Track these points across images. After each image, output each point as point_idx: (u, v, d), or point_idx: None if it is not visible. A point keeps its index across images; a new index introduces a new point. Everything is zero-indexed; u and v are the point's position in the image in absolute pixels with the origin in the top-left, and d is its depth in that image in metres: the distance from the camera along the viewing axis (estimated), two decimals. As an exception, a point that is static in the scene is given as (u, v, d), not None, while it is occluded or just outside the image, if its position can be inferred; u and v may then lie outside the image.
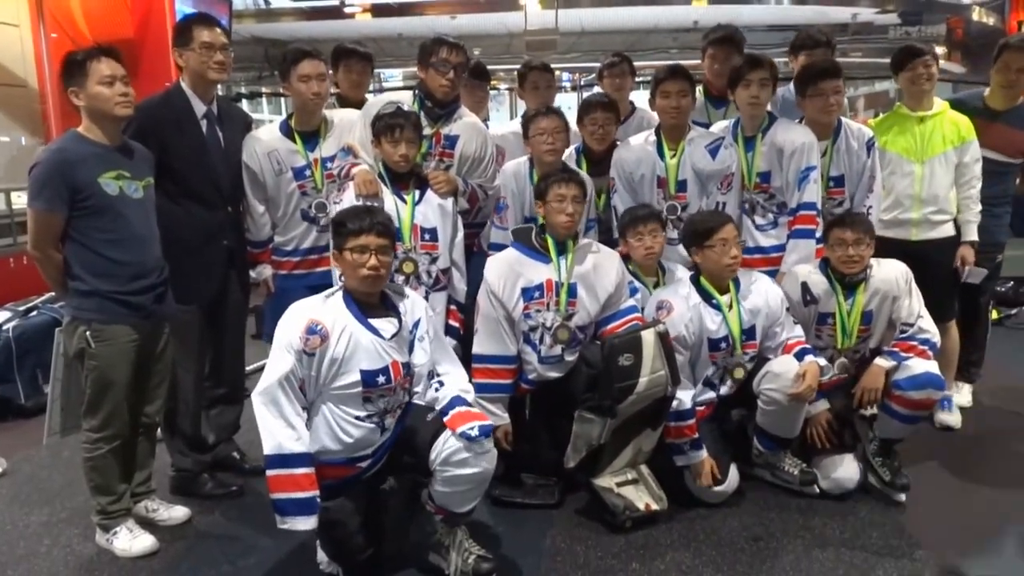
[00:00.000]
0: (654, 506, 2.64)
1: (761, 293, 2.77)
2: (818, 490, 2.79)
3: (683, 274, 2.93)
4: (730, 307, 2.74)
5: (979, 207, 3.27)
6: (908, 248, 3.17)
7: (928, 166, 3.23)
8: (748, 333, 2.75)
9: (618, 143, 3.14)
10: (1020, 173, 3.52)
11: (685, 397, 2.70)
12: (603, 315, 2.77)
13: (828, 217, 2.96)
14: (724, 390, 2.81)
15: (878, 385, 2.74)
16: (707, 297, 2.74)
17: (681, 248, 2.97)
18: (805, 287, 2.83)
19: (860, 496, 2.79)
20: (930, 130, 3.24)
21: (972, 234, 3.28)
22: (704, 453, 2.72)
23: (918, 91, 3.26)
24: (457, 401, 2.31)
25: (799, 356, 2.73)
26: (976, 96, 3.50)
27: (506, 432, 2.74)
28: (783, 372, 2.68)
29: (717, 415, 2.82)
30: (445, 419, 2.25)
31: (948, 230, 3.29)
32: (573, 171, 2.81)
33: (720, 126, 3.19)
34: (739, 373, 2.78)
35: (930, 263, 3.12)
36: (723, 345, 2.74)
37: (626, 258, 2.91)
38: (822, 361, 2.75)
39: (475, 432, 2.17)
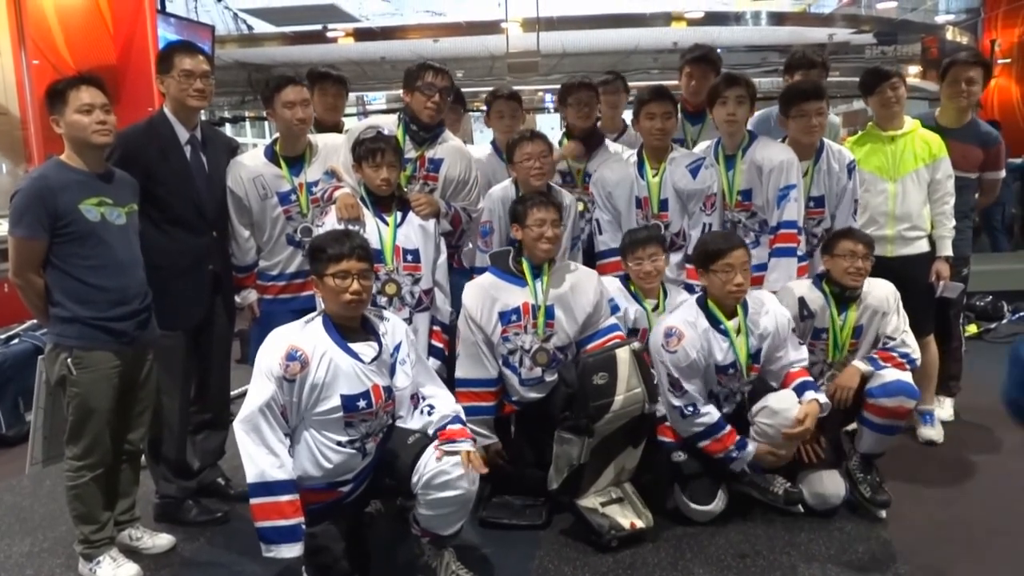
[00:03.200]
0: (639, 523, 2.62)
1: (771, 317, 2.72)
2: (803, 509, 2.78)
3: (684, 297, 2.94)
4: (738, 332, 2.69)
5: (953, 222, 3.33)
6: (885, 265, 3.21)
7: (901, 184, 3.29)
8: (754, 357, 2.72)
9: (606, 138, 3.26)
10: (978, 188, 3.58)
11: (711, 411, 2.68)
12: (583, 335, 2.78)
13: (810, 238, 3.00)
14: (727, 408, 2.77)
15: (852, 384, 2.77)
16: (715, 322, 2.69)
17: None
18: (803, 302, 2.84)
19: (846, 512, 2.81)
20: (901, 149, 3.30)
21: (947, 249, 3.34)
22: (753, 446, 2.69)
23: (888, 113, 3.33)
24: (454, 421, 2.34)
25: (799, 389, 2.71)
26: (927, 116, 3.57)
27: (498, 451, 2.76)
28: (781, 410, 2.65)
29: None
30: (441, 432, 2.29)
31: (923, 246, 3.35)
32: (551, 194, 2.84)
33: (702, 146, 3.22)
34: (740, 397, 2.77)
35: (906, 279, 3.16)
36: (730, 371, 2.71)
37: (628, 279, 2.94)
38: (823, 398, 2.71)
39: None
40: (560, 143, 3.31)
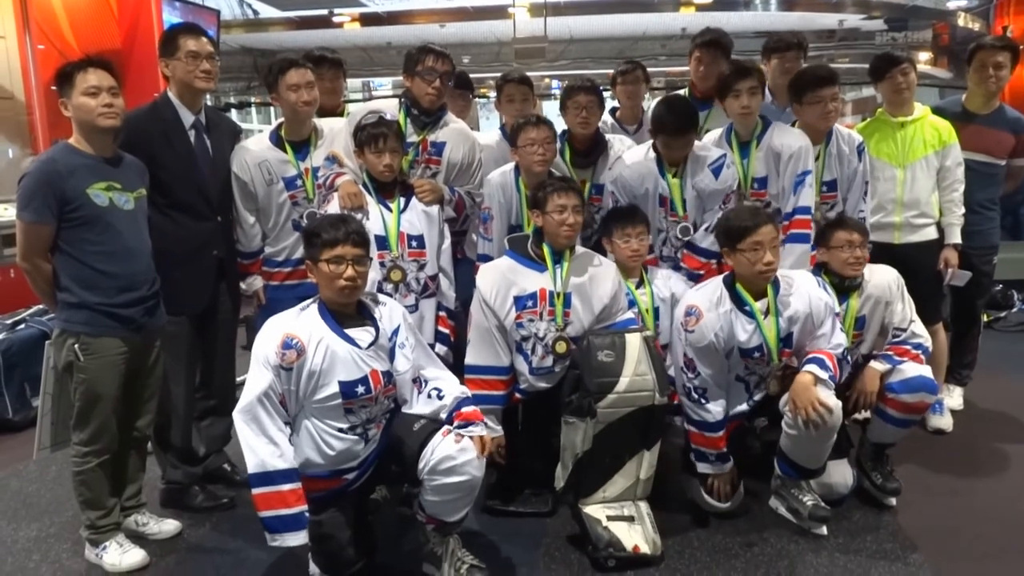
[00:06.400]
0: (644, 548, 2.43)
1: (803, 298, 2.58)
2: (824, 531, 2.60)
3: (665, 276, 2.92)
4: (766, 314, 2.57)
5: (962, 210, 3.30)
6: (892, 252, 3.19)
7: (910, 170, 3.26)
8: (785, 341, 2.59)
9: (608, 141, 3.10)
10: (1006, 176, 3.54)
11: (716, 409, 2.62)
12: (598, 327, 2.72)
13: (821, 221, 2.96)
14: (758, 396, 2.68)
15: (874, 388, 2.74)
16: (740, 303, 2.58)
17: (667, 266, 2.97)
18: None
19: (854, 501, 2.80)
20: (911, 135, 3.27)
21: (955, 237, 3.31)
22: (729, 466, 2.68)
23: (899, 98, 3.29)
24: (465, 402, 2.34)
25: (806, 363, 2.57)
26: (955, 102, 3.55)
27: (499, 444, 2.71)
28: None
29: (734, 430, 2.74)
30: (457, 413, 2.30)
31: (931, 233, 3.32)
32: (571, 180, 2.79)
33: (714, 135, 3.15)
34: (774, 387, 2.64)
35: (914, 266, 3.12)
36: (756, 354, 2.59)
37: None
38: (822, 374, 2.50)
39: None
40: (561, 152, 3.07)
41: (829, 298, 2.65)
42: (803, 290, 2.61)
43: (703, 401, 2.63)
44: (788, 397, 2.54)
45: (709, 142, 3.09)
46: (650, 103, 3.71)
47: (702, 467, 2.69)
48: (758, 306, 2.58)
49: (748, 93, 2.92)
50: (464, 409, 2.31)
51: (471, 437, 2.21)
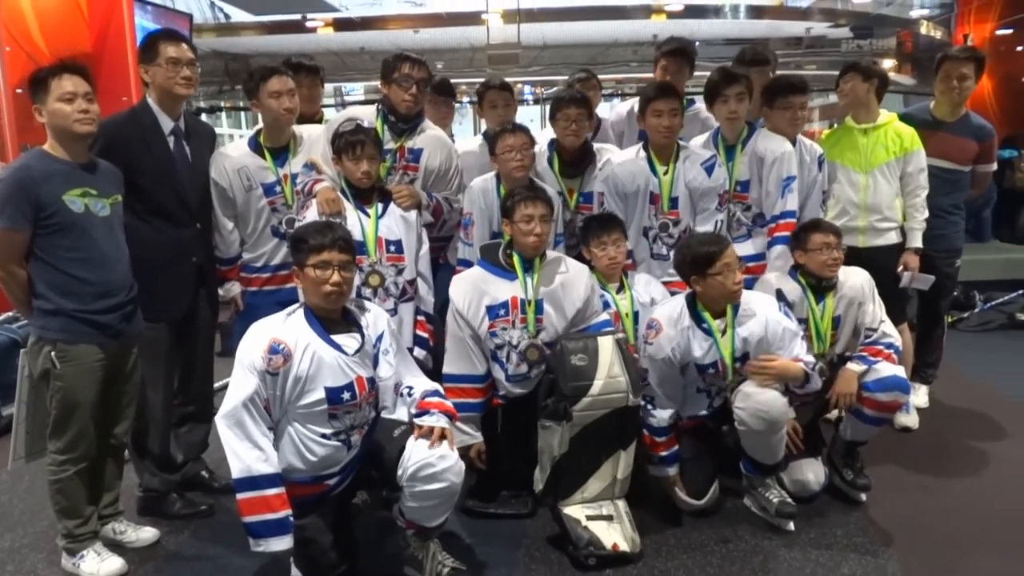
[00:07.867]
0: (623, 546, 2.47)
1: (760, 322, 2.64)
2: (792, 527, 2.67)
3: (645, 281, 2.97)
4: (723, 332, 2.64)
5: (924, 215, 3.39)
6: (856, 255, 3.25)
7: (872, 176, 3.36)
8: (741, 360, 2.66)
9: (597, 151, 3.14)
10: (970, 181, 3.64)
11: (661, 415, 2.69)
12: (573, 331, 2.75)
13: None
14: (717, 402, 2.76)
15: (852, 390, 2.78)
16: (699, 321, 2.65)
17: (659, 264, 3.02)
18: (780, 294, 2.86)
19: (825, 497, 2.86)
20: (874, 142, 3.37)
21: (916, 241, 3.40)
22: (673, 471, 2.74)
23: (844, 106, 3.44)
24: (431, 395, 2.34)
25: None
26: (923, 109, 3.65)
27: (479, 451, 2.74)
28: (753, 394, 2.61)
29: (708, 429, 2.81)
30: (419, 401, 2.30)
31: (893, 237, 3.41)
32: (540, 188, 2.81)
33: (701, 139, 3.23)
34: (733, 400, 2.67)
35: (877, 270, 3.18)
36: (711, 370, 2.67)
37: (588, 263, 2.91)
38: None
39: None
40: (549, 161, 3.11)
41: (791, 323, 2.69)
42: (761, 312, 2.67)
43: (651, 409, 2.71)
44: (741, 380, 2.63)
45: (697, 145, 3.18)
46: (610, 112, 3.78)
47: (650, 468, 2.76)
48: (716, 324, 2.65)
49: (736, 99, 3.03)
50: (428, 399, 2.31)
51: (433, 428, 2.21)
